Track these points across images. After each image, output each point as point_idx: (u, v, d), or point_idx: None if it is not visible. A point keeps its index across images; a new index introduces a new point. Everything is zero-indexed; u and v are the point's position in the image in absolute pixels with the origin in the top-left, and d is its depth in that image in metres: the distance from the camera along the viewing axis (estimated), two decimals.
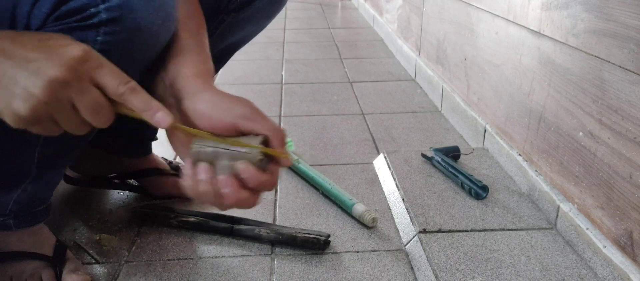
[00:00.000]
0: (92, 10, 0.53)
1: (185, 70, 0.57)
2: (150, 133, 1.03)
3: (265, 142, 0.51)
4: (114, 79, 0.48)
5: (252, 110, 0.52)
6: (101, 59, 0.48)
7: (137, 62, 0.59)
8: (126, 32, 0.55)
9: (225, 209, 0.52)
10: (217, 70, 1.03)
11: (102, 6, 0.53)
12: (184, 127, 0.51)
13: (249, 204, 0.50)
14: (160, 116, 0.48)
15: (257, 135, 0.51)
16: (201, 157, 0.50)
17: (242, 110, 0.52)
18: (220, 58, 0.97)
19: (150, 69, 0.60)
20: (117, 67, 0.49)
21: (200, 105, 0.53)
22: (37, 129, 0.48)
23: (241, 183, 0.49)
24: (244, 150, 0.49)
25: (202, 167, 0.50)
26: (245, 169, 0.49)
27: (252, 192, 0.50)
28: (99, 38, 0.54)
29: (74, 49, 0.46)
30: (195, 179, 0.50)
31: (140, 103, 0.48)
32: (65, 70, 0.45)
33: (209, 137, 0.51)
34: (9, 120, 0.46)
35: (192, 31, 0.63)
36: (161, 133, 1.06)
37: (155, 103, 0.48)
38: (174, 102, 0.56)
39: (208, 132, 0.51)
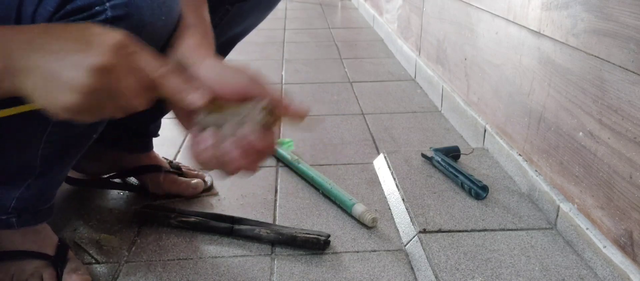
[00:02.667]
0: (98, 8, 0.54)
1: (189, 41, 0.60)
2: (152, 129, 1.03)
3: (269, 107, 0.53)
4: (152, 62, 0.49)
5: (255, 78, 0.54)
6: (138, 44, 0.49)
7: None
8: (131, 29, 0.56)
9: (229, 175, 0.54)
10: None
11: (107, 4, 0.54)
12: (226, 105, 0.53)
13: (252, 168, 0.53)
14: (195, 96, 0.50)
15: (260, 100, 0.53)
16: (207, 124, 0.52)
17: (247, 78, 0.54)
18: (223, 49, 0.98)
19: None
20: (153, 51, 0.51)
21: (206, 72, 0.55)
22: (82, 117, 0.48)
23: (246, 147, 0.51)
24: (249, 112, 0.52)
25: (208, 133, 0.52)
26: (250, 132, 0.51)
27: (254, 157, 0.52)
28: None
29: (113, 35, 0.47)
30: (200, 146, 0.52)
31: (177, 85, 0.50)
32: (110, 57, 0.46)
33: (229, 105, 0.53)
34: (56, 112, 0.47)
35: (194, 8, 0.65)
36: (163, 131, 1.06)
37: (190, 85, 0.50)
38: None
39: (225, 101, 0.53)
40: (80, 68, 0.45)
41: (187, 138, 0.54)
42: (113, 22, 0.55)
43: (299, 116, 0.54)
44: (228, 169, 0.52)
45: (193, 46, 0.59)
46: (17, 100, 0.48)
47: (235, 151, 0.51)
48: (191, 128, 0.54)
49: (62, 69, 0.46)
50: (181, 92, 0.50)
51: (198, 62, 0.56)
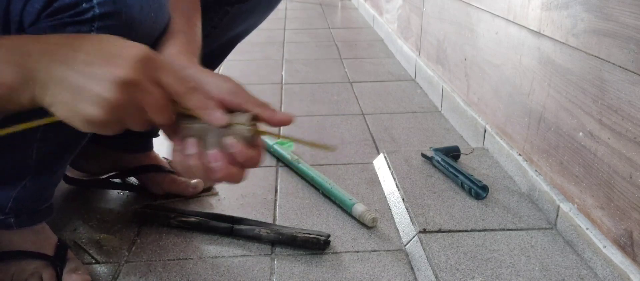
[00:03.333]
0: (85, 5, 0.54)
1: (172, 48, 0.59)
2: (152, 129, 1.03)
3: (254, 119, 0.52)
4: (176, 78, 0.49)
5: (238, 87, 0.53)
6: (161, 59, 0.49)
7: None
8: (120, 26, 0.56)
9: (214, 183, 0.53)
10: (219, 62, 1.04)
11: (95, 1, 0.54)
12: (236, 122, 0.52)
13: (236, 179, 0.52)
14: (217, 115, 0.50)
15: (244, 112, 0.52)
16: (190, 133, 0.52)
17: (230, 87, 0.53)
18: (224, 49, 0.98)
19: None
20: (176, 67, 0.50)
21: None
22: (105, 130, 0.48)
23: (230, 158, 0.51)
24: (234, 125, 0.51)
25: (191, 142, 0.51)
26: (234, 144, 0.50)
27: (240, 167, 0.51)
28: (93, 33, 0.55)
29: (138, 49, 0.47)
30: (184, 153, 0.51)
31: (199, 102, 0.50)
32: (134, 71, 0.46)
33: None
34: (79, 125, 0.47)
35: (184, 13, 0.64)
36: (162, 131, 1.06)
37: (211, 103, 0.50)
38: None
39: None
40: (105, 81, 0.45)
41: (171, 146, 0.53)
42: (101, 19, 0.54)
43: (285, 124, 0.53)
44: (212, 177, 0.51)
45: (176, 52, 0.58)
46: (33, 113, 0.48)
47: (219, 161, 0.50)
48: (174, 135, 0.53)
49: (87, 82, 0.45)
50: (203, 109, 0.50)
51: (180, 70, 0.55)
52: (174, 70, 0.49)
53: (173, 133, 0.53)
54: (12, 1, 0.54)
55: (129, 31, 0.56)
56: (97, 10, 0.54)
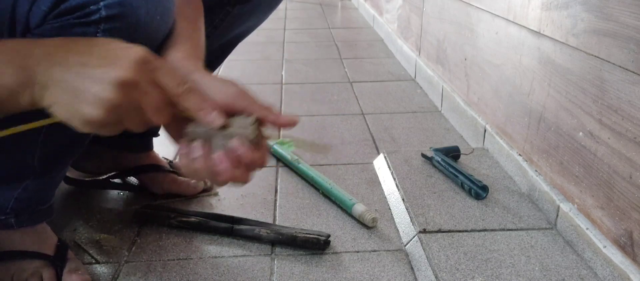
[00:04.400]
0: (93, 7, 0.54)
1: (177, 53, 0.60)
2: (152, 128, 1.03)
3: (258, 122, 0.53)
4: (173, 79, 0.49)
5: (243, 91, 0.54)
6: (160, 60, 0.50)
7: None
8: (126, 28, 0.56)
9: (220, 186, 0.54)
10: (220, 62, 1.04)
11: (102, 3, 0.54)
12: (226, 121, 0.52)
13: (242, 181, 0.53)
14: (214, 116, 0.50)
15: (249, 115, 0.53)
16: (196, 136, 0.52)
17: (234, 91, 0.54)
18: (224, 50, 0.98)
19: None
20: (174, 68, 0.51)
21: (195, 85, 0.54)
22: (104, 131, 0.48)
23: (235, 160, 0.51)
24: (239, 128, 0.52)
25: (196, 145, 0.52)
26: (239, 146, 0.51)
27: (245, 169, 0.52)
28: (99, 35, 0.55)
29: (137, 51, 0.48)
30: (190, 156, 0.52)
31: (196, 103, 0.50)
32: (133, 71, 0.46)
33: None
34: (78, 126, 0.47)
35: (189, 18, 0.65)
36: (162, 131, 1.06)
37: (207, 104, 0.50)
38: None
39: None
40: (104, 82, 0.45)
41: (178, 148, 0.53)
42: (107, 21, 0.54)
43: (289, 126, 0.54)
44: (219, 180, 0.52)
45: (181, 57, 0.59)
46: (32, 114, 0.48)
47: (225, 163, 0.51)
48: (180, 138, 0.54)
49: (86, 83, 0.46)
50: (200, 111, 0.50)
51: (186, 74, 0.55)
52: (171, 71, 0.50)
53: (179, 136, 0.54)
54: (18, 2, 0.54)
55: (135, 33, 0.57)
56: (103, 13, 0.54)
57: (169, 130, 0.56)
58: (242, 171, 0.52)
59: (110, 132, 0.49)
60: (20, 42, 0.49)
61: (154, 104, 0.48)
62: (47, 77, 0.46)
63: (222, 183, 0.53)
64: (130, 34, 0.56)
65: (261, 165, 0.53)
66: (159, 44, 0.62)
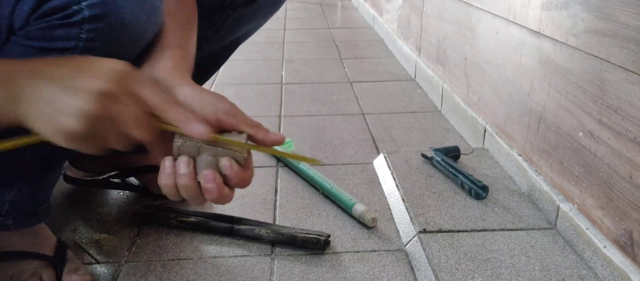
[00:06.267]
0: (75, 7, 0.53)
1: (166, 62, 0.58)
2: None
3: (248, 140, 0.52)
4: (154, 92, 0.48)
5: (233, 107, 0.53)
6: (140, 74, 0.49)
7: (122, 56, 0.58)
8: (110, 28, 0.55)
9: (202, 203, 0.52)
10: (220, 64, 1.04)
11: (84, 3, 0.53)
12: (218, 137, 0.50)
13: (226, 200, 0.51)
14: (198, 128, 0.48)
15: (240, 132, 0.52)
16: (183, 152, 0.51)
17: (225, 107, 0.52)
18: (224, 53, 0.98)
19: (134, 61, 0.60)
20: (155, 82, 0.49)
21: (183, 99, 0.53)
22: (85, 146, 0.48)
23: (224, 178, 0.50)
24: (231, 146, 0.50)
25: (183, 160, 0.50)
26: (229, 166, 0.50)
27: (231, 188, 0.51)
28: (82, 35, 0.54)
29: (115, 64, 0.47)
30: (175, 173, 0.50)
31: (179, 116, 0.49)
32: (113, 84, 0.46)
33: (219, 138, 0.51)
34: (59, 140, 0.47)
35: (181, 24, 0.63)
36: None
37: (192, 116, 0.49)
38: None
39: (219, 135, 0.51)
40: (81, 92, 0.45)
41: (161, 165, 0.51)
42: (91, 21, 0.54)
43: (276, 144, 0.53)
44: (204, 199, 0.51)
45: (169, 67, 0.57)
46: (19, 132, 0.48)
47: (212, 183, 0.49)
48: (163, 155, 0.52)
49: (63, 94, 0.45)
50: (185, 122, 0.49)
51: (174, 86, 0.54)
52: (152, 84, 0.49)
53: (160, 155, 0.52)
54: (1, 4, 0.54)
55: (120, 33, 0.56)
56: (86, 13, 0.53)
57: (153, 149, 0.53)
58: (230, 190, 0.51)
59: (93, 149, 0.48)
60: (6, 62, 0.49)
61: (135, 117, 0.47)
62: (30, 92, 0.46)
63: (204, 202, 0.51)
64: (115, 34, 0.55)
65: (247, 184, 0.52)
66: (147, 45, 0.60)
